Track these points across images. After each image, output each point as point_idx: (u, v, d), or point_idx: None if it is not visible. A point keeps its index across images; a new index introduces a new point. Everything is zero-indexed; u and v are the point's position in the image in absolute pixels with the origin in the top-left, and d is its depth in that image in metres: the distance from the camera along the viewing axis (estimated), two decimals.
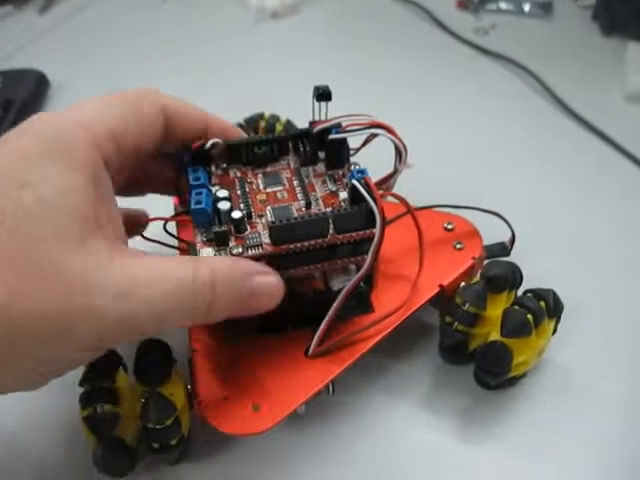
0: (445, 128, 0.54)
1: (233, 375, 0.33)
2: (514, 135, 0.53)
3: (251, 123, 0.47)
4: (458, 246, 0.37)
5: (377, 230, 0.30)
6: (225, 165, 0.34)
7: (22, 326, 0.24)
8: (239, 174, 0.34)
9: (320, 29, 0.68)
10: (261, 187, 0.33)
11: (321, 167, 0.34)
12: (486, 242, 0.38)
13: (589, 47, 0.63)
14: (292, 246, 0.30)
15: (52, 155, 0.26)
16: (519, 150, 0.52)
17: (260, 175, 0.34)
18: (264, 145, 0.34)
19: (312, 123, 0.34)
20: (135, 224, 0.36)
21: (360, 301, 0.34)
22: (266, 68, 0.60)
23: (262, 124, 0.47)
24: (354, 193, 0.30)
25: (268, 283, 0.29)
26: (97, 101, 0.30)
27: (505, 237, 0.39)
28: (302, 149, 0.34)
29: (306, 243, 0.30)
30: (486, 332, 0.34)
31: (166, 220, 0.34)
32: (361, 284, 0.33)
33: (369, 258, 0.30)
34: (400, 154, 0.33)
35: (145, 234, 0.36)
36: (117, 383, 0.32)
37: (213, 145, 0.33)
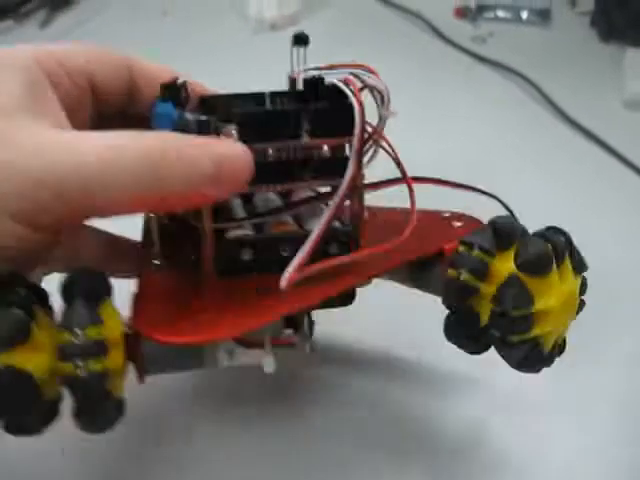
0: (443, 136, 0.54)
1: (181, 302, 0.28)
2: (512, 142, 0.53)
3: None
4: (458, 224, 0.33)
5: (357, 129, 0.27)
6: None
7: None
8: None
9: (318, 39, 0.67)
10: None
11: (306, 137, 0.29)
12: None
13: (587, 54, 0.63)
14: (260, 148, 0.27)
15: None
16: (517, 157, 0.52)
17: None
18: (240, 99, 0.30)
19: (291, 76, 0.31)
20: (121, 255, 0.33)
21: (342, 245, 0.29)
22: (265, 79, 0.61)
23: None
24: (331, 94, 0.28)
25: (229, 148, 0.26)
26: None
27: None
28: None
29: (276, 145, 0.27)
30: (493, 291, 0.28)
31: None
32: (344, 225, 0.30)
33: (350, 166, 0.27)
34: (383, 98, 0.29)
35: None
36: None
37: (185, 84, 0.30)
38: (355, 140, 0.27)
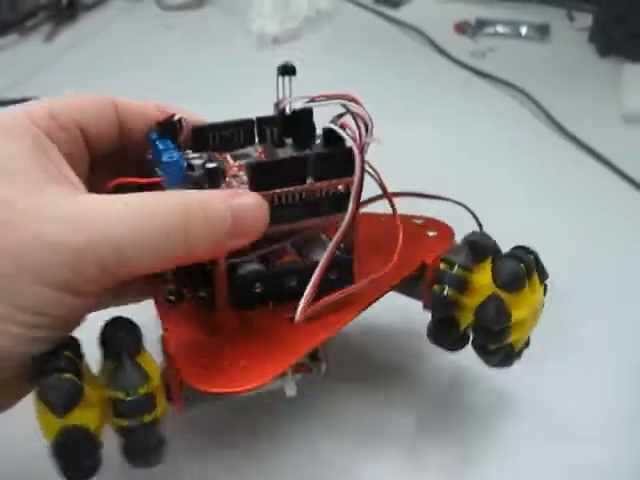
0: (442, 150, 0.54)
1: (212, 345, 0.31)
2: (511, 156, 0.54)
3: None
4: (431, 234, 0.37)
5: (357, 168, 0.29)
6: (191, 152, 0.33)
7: None
8: (206, 157, 0.32)
9: (320, 54, 0.69)
10: (231, 162, 0.32)
11: (289, 150, 0.33)
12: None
13: (585, 69, 0.64)
14: (271, 192, 0.29)
15: None
16: (516, 171, 0.52)
17: (229, 156, 0.33)
18: (230, 128, 0.33)
19: (277, 103, 0.33)
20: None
21: (342, 273, 0.32)
22: (267, 93, 0.61)
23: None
24: (329, 137, 0.30)
25: (248, 201, 0.28)
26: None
27: None
28: (269, 133, 0.33)
29: (285, 189, 0.29)
30: (475, 304, 0.32)
31: (139, 183, 0.31)
32: (343, 253, 0.32)
33: (351, 203, 0.29)
34: (366, 126, 0.31)
35: None
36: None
37: (180, 120, 0.32)
38: (355, 182, 0.29)
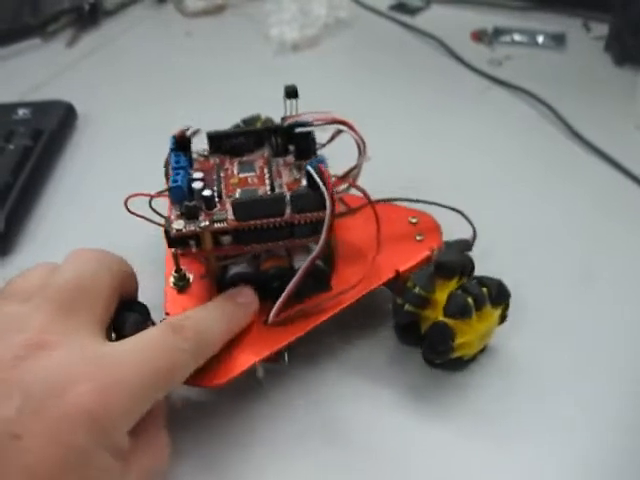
0: (459, 158, 0.55)
1: None
2: (527, 163, 0.54)
3: (249, 123, 0.50)
4: (418, 238, 0.40)
5: (327, 211, 0.33)
6: (207, 153, 0.39)
7: None
8: (218, 161, 0.38)
9: (339, 61, 0.70)
10: (235, 172, 0.37)
11: (291, 158, 0.38)
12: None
13: (601, 78, 0.64)
14: (253, 222, 0.34)
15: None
16: (533, 178, 0.53)
17: (236, 163, 0.38)
18: (241, 136, 0.39)
19: (283, 118, 0.38)
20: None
21: (318, 280, 0.37)
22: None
23: (258, 124, 0.50)
24: (309, 178, 0.34)
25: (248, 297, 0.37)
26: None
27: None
28: (274, 141, 0.38)
29: (265, 220, 0.34)
30: (436, 315, 0.36)
31: (151, 196, 0.36)
32: (320, 263, 0.36)
33: (322, 238, 0.34)
34: (359, 148, 0.37)
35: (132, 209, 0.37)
36: None
37: (194, 132, 0.38)
38: (327, 216, 0.33)
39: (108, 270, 0.33)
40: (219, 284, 0.37)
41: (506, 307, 0.38)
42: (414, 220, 0.41)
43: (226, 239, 0.34)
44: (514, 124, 0.59)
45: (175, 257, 0.37)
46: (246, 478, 0.35)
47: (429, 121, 0.60)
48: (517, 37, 0.70)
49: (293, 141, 0.38)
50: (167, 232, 0.34)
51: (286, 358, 0.36)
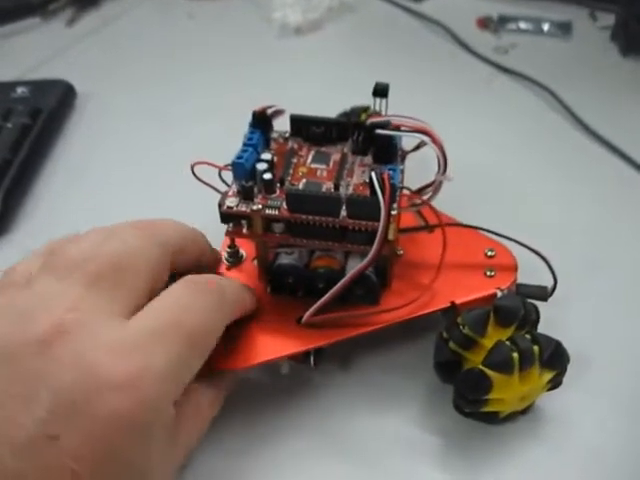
0: (464, 145, 0.54)
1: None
2: (533, 152, 0.54)
3: (354, 113, 0.48)
4: (489, 273, 0.37)
5: (381, 222, 0.31)
6: (287, 135, 0.37)
7: None
8: (295, 146, 0.37)
9: (342, 45, 0.69)
10: (308, 162, 0.36)
11: (369, 159, 0.36)
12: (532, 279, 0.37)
13: (608, 67, 0.64)
14: (305, 216, 0.33)
15: None
16: (538, 167, 0.52)
17: (313, 152, 0.36)
18: (322, 125, 0.37)
19: (370, 115, 0.36)
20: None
21: (367, 291, 0.35)
22: (288, 83, 0.61)
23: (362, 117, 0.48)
24: (371, 185, 0.32)
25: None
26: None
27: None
28: (356, 138, 0.36)
29: (317, 218, 0.33)
30: (478, 361, 0.33)
31: (220, 168, 0.36)
32: (371, 275, 0.35)
33: (373, 249, 0.32)
34: (439, 164, 0.34)
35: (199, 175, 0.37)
36: None
37: (276, 112, 0.36)
38: (380, 227, 0.31)
39: (158, 245, 0.32)
40: (267, 271, 0.36)
41: (561, 373, 0.34)
42: (491, 253, 0.38)
43: (278, 227, 0.33)
44: (519, 111, 0.58)
45: (230, 234, 0.35)
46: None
47: (432, 108, 0.59)
48: (523, 25, 0.69)
49: (374, 142, 0.36)
50: (219, 206, 0.33)
51: (312, 360, 0.35)
